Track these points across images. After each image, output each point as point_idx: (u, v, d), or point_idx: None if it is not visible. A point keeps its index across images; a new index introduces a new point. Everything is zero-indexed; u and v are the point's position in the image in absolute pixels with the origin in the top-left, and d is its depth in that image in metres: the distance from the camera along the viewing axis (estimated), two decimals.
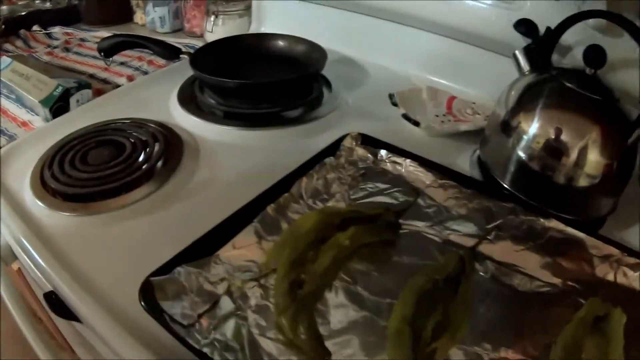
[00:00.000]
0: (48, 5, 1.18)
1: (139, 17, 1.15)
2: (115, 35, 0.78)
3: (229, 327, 0.36)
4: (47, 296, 0.47)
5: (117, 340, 0.38)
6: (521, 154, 0.51)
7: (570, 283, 0.42)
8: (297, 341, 0.35)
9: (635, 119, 0.47)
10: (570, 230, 0.45)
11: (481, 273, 0.42)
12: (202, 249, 0.41)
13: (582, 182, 0.49)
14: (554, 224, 0.46)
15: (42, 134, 0.66)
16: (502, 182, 0.53)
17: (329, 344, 0.35)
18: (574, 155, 0.48)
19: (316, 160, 0.52)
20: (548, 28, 0.54)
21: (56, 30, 1.09)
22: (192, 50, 0.76)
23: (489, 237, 0.45)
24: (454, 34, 0.74)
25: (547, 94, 0.51)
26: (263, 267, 0.41)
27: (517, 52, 0.56)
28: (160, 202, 0.52)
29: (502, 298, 0.40)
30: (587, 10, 0.51)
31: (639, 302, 0.41)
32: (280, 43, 0.79)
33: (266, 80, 0.70)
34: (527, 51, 0.56)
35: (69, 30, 1.10)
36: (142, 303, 0.37)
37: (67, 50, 1.00)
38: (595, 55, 0.49)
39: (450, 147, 0.63)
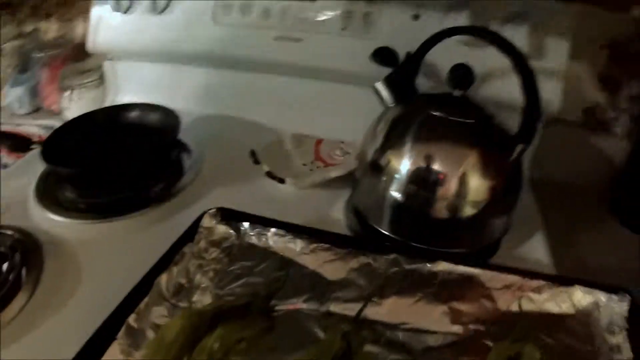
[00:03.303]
0: None
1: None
2: None
3: None
4: None
5: None
6: (396, 195, 0.47)
7: (472, 327, 0.39)
8: None
9: (516, 133, 0.44)
10: (461, 268, 0.43)
11: (369, 345, 0.37)
12: None
13: (469, 211, 0.46)
14: (442, 266, 0.43)
15: None
16: (379, 229, 0.49)
17: None
18: (454, 186, 0.45)
19: (175, 249, 0.45)
20: (408, 53, 0.52)
21: None
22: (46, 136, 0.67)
23: (373, 299, 0.41)
24: (313, 73, 0.71)
25: (415, 126, 0.48)
26: None
27: (377, 84, 0.52)
28: (29, 320, 0.45)
29: None
30: (448, 29, 0.47)
31: (553, 325, 0.39)
32: (134, 113, 0.71)
33: (109, 164, 0.62)
34: (388, 82, 0.52)
35: None
36: None
37: None
38: (460, 75, 0.47)
39: (323, 197, 0.59)
